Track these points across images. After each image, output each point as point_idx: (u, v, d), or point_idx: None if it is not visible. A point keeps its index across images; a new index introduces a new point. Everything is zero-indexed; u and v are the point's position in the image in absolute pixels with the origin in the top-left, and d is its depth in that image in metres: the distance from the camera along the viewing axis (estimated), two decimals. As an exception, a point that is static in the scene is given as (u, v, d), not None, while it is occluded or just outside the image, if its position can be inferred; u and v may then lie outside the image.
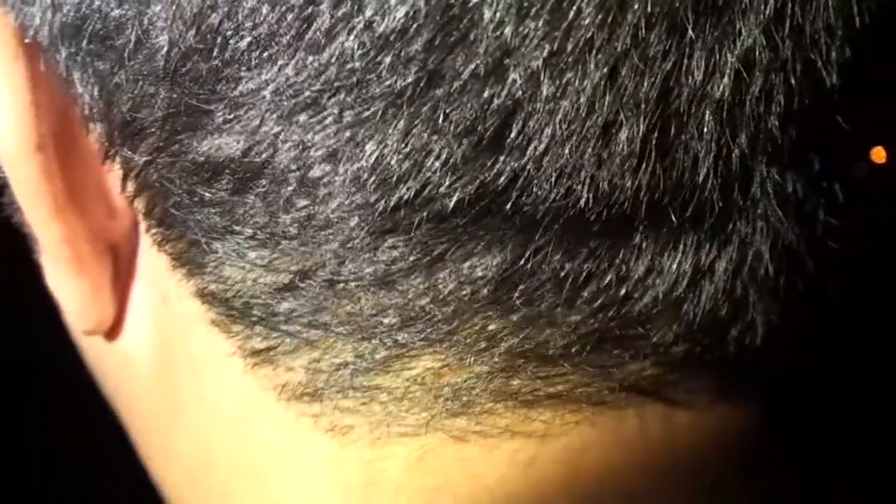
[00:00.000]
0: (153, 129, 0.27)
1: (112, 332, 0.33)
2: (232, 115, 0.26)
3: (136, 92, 0.27)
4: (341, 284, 0.27)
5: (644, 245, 0.27)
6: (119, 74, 0.27)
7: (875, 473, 0.33)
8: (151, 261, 0.30)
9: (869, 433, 0.33)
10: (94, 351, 0.34)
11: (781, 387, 0.30)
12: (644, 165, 0.25)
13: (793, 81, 0.25)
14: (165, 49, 0.26)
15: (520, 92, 0.24)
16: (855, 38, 0.25)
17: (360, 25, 0.24)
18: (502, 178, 0.25)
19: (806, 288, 0.29)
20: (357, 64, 0.24)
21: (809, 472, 0.32)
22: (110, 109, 0.28)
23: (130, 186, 0.29)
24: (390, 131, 0.25)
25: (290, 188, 0.26)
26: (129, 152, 0.28)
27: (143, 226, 0.30)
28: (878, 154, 0.30)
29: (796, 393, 0.31)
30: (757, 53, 0.25)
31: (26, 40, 0.28)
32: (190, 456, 0.32)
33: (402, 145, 0.25)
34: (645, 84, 0.24)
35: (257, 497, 0.31)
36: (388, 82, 0.24)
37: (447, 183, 0.25)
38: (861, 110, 0.27)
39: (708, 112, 0.25)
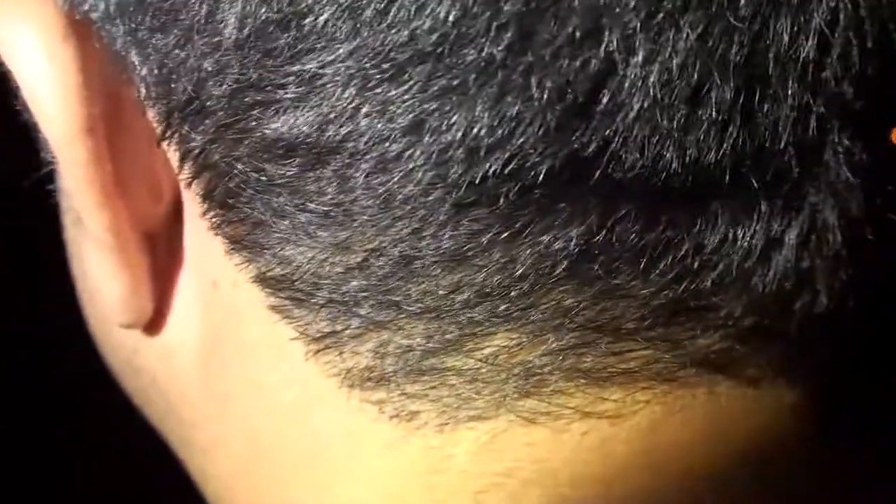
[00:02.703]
0: (218, 107, 0.26)
1: (152, 324, 0.32)
2: (307, 89, 0.25)
3: (200, 68, 0.26)
4: (418, 261, 0.26)
5: (720, 214, 0.26)
6: (184, 50, 0.26)
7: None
8: (202, 247, 0.30)
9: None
10: (130, 345, 0.33)
11: (848, 361, 0.30)
12: (730, 130, 0.25)
13: (869, 44, 0.25)
14: (236, 23, 0.25)
15: (616, 54, 0.24)
16: None
17: None
18: (592, 145, 0.25)
19: (870, 260, 0.29)
20: (447, 30, 0.24)
21: (878, 451, 0.32)
22: (170, 87, 0.27)
23: (188, 168, 0.28)
24: (480, 100, 0.24)
25: (369, 163, 0.25)
26: (190, 132, 0.27)
27: (197, 210, 0.29)
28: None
29: (862, 368, 0.31)
30: (841, 13, 0.25)
31: (77, 17, 0.27)
32: (238, 447, 0.32)
33: (493, 114, 0.24)
34: (735, 46, 0.24)
35: (314, 487, 0.30)
36: (479, 49, 0.24)
37: (538, 151, 0.25)
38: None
39: (792, 75, 0.25)
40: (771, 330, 0.29)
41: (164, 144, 0.28)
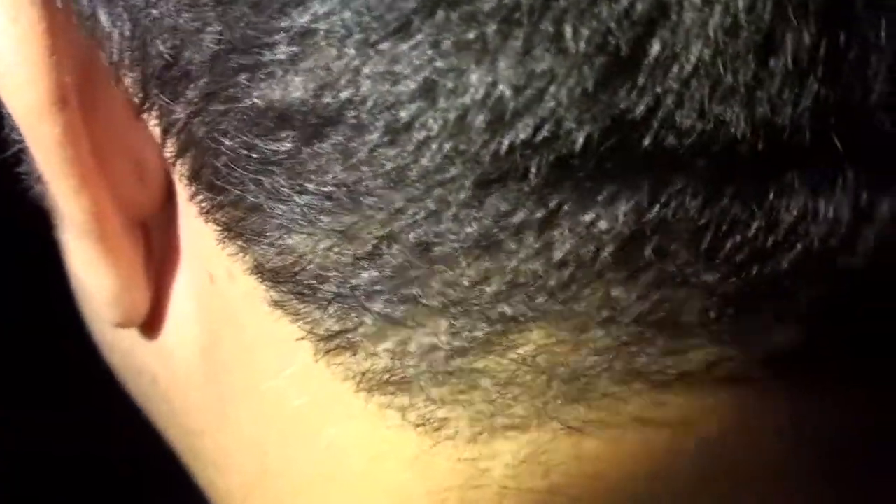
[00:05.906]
0: (200, 73, 0.22)
1: (147, 322, 0.28)
2: (299, 48, 0.21)
3: (178, 27, 0.22)
4: (438, 248, 0.22)
5: (797, 184, 0.22)
6: (158, 6, 0.22)
7: None
8: (195, 234, 0.26)
9: None
10: (126, 345, 0.30)
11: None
12: (810, 82, 0.21)
13: None
14: None
15: None
16: None
17: None
18: (640, 107, 0.20)
19: None
20: None
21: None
22: (146, 51, 0.23)
23: (171, 145, 0.24)
24: (502, 55, 0.20)
25: (374, 134, 0.22)
26: (170, 103, 0.23)
27: (185, 192, 0.25)
28: None
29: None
30: None
31: None
32: (245, 461, 0.28)
33: (518, 71, 0.20)
34: None
35: None
36: None
37: (575, 115, 0.21)
38: None
39: (884, 16, 0.21)
40: (861, 320, 0.24)
41: (144, 117, 0.24)
